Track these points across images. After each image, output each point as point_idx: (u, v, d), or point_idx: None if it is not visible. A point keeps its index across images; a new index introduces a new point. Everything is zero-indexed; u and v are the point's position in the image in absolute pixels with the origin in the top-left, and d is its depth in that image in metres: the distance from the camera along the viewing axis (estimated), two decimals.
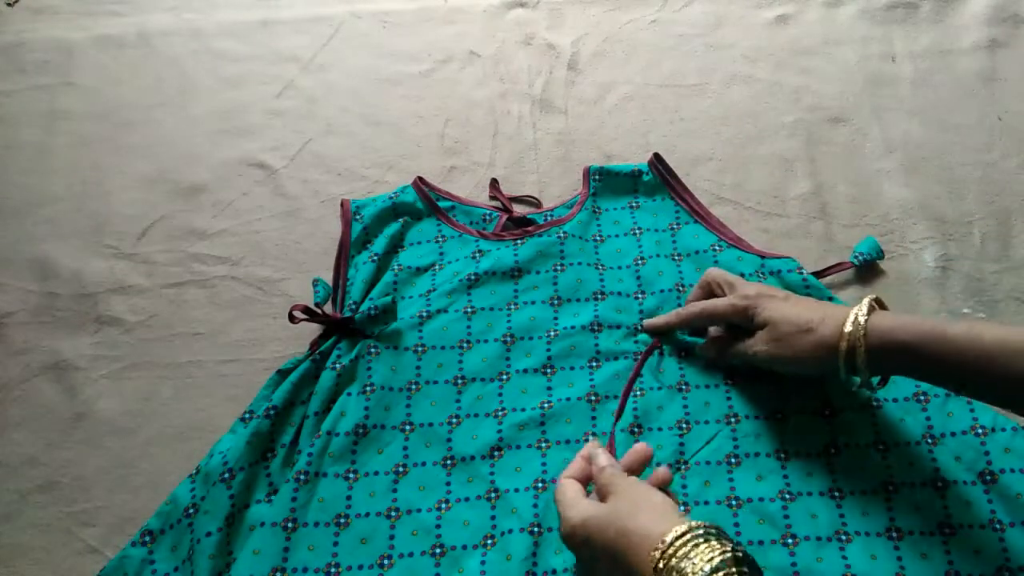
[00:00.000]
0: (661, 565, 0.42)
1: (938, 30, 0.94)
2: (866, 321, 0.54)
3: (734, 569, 0.41)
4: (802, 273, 0.70)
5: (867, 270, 0.74)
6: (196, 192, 0.84)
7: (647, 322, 0.69)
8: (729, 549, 0.42)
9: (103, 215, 0.83)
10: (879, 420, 0.62)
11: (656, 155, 0.80)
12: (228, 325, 0.74)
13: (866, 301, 0.55)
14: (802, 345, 0.57)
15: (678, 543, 0.43)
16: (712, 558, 0.41)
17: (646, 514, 0.46)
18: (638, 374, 0.66)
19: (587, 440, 0.63)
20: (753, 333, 0.61)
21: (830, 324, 0.55)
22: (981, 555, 0.55)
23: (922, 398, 0.62)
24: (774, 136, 0.86)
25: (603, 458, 0.54)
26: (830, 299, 0.69)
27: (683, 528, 0.44)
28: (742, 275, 0.70)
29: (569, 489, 0.53)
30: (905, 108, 0.88)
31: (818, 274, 0.73)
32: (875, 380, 0.57)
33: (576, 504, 0.51)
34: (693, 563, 0.41)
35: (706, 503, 0.59)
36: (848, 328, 0.54)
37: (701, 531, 0.43)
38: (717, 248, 0.73)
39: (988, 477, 0.58)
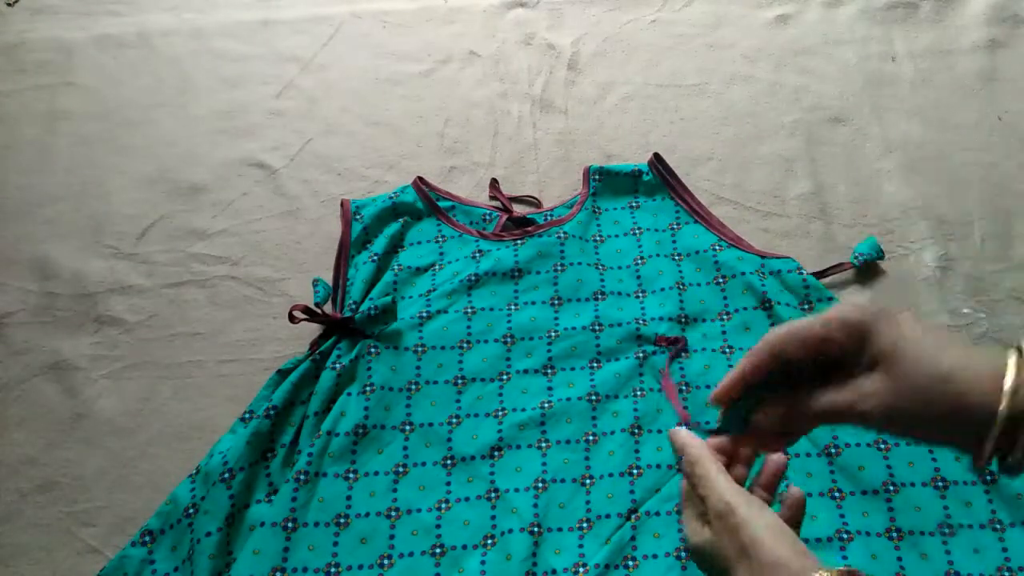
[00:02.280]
0: None
1: (938, 30, 0.94)
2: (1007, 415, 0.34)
3: None
4: (802, 273, 0.70)
5: (867, 270, 0.74)
6: (196, 192, 0.84)
7: (713, 395, 0.42)
8: None
9: (103, 215, 0.83)
10: None
11: (656, 155, 0.80)
12: (228, 325, 0.74)
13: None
14: (938, 401, 0.36)
15: None
16: None
17: (760, 559, 0.36)
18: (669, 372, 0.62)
19: (587, 440, 0.63)
20: (847, 376, 0.38)
21: (977, 372, 0.35)
22: (981, 555, 0.55)
23: None
24: (774, 136, 0.86)
25: (682, 435, 0.41)
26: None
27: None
28: (743, 273, 0.70)
29: (708, 454, 0.40)
30: (905, 108, 0.88)
31: (818, 274, 0.73)
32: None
33: (722, 481, 0.39)
34: None
35: None
36: (1009, 385, 0.34)
37: None
38: (717, 248, 0.73)
39: (988, 477, 0.58)
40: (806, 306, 0.69)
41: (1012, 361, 0.35)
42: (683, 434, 0.42)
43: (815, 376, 0.40)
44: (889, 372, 0.37)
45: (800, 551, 0.37)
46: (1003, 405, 0.34)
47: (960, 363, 0.36)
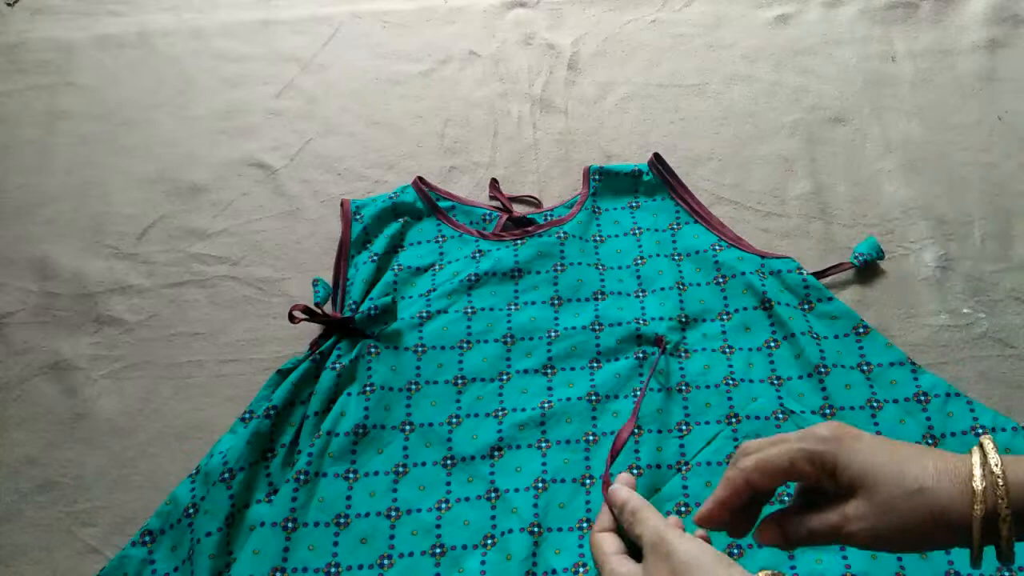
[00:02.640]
0: None
1: (938, 30, 0.94)
2: (1004, 472, 0.37)
3: None
4: (802, 273, 0.70)
5: (867, 270, 0.74)
6: (196, 192, 0.84)
7: (695, 518, 0.44)
8: None
9: (103, 215, 0.83)
10: (880, 420, 0.62)
11: (656, 155, 0.80)
12: (228, 325, 0.74)
13: (987, 443, 0.38)
14: (915, 516, 0.38)
15: None
16: None
17: None
18: (645, 391, 0.60)
19: (587, 440, 0.63)
20: (828, 499, 0.40)
21: (946, 478, 0.37)
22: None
23: (922, 398, 0.62)
24: (774, 136, 0.86)
25: (623, 493, 0.44)
26: (830, 299, 0.69)
27: None
28: (743, 273, 0.70)
29: (606, 545, 0.43)
30: (905, 108, 0.88)
31: (818, 274, 0.73)
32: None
33: (616, 570, 0.41)
34: None
35: None
36: (979, 486, 0.36)
37: None
38: (717, 248, 0.73)
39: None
40: (806, 306, 0.69)
41: (976, 461, 0.37)
42: (621, 489, 0.44)
43: (802, 495, 0.42)
44: (865, 497, 0.38)
45: (727, 562, 0.38)
46: (976, 510, 0.36)
47: (925, 473, 0.37)
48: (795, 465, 0.41)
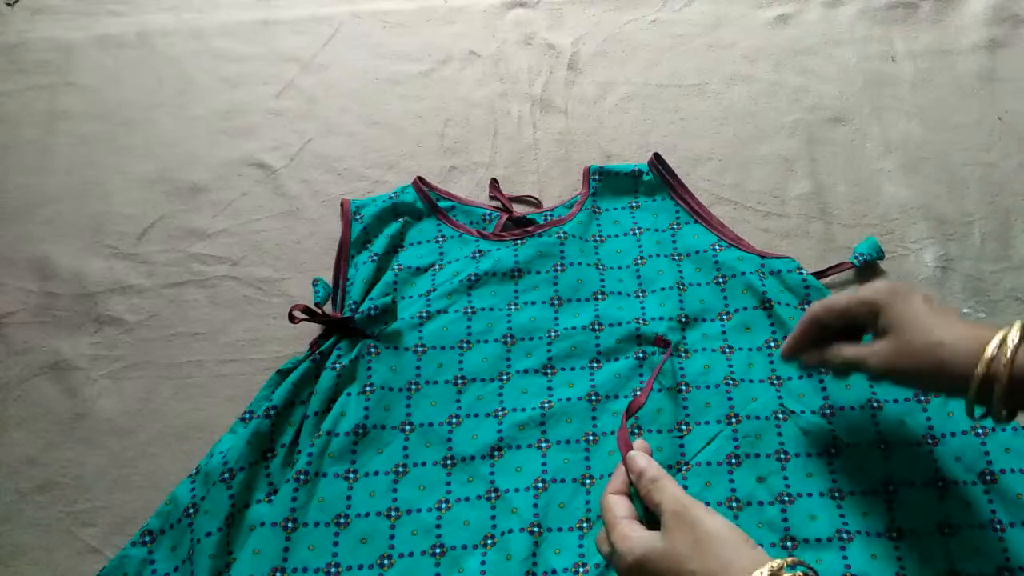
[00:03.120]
0: None
1: (938, 30, 0.94)
2: (1013, 359, 0.44)
3: None
4: (802, 273, 0.70)
5: (867, 270, 0.74)
6: (196, 192, 0.84)
7: (780, 353, 0.59)
8: None
9: (103, 215, 0.83)
10: (880, 420, 0.62)
11: (656, 155, 0.80)
12: (228, 325, 0.74)
13: (1018, 328, 0.45)
14: (928, 362, 0.47)
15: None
16: None
17: (714, 551, 0.41)
18: (651, 387, 0.61)
19: (587, 440, 0.63)
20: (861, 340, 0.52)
21: (968, 344, 0.46)
22: (981, 555, 0.55)
23: (922, 398, 0.62)
24: (774, 136, 0.86)
25: (641, 460, 0.48)
26: None
27: (767, 571, 0.39)
28: (743, 273, 0.71)
29: (618, 509, 0.47)
30: (905, 108, 0.88)
31: (818, 274, 0.73)
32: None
33: (628, 535, 0.45)
34: None
35: (707, 504, 0.59)
36: (989, 353, 0.44)
37: (792, 572, 0.39)
38: (717, 248, 0.73)
39: (988, 477, 0.58)
40: (806, 306, 0.69)
41: (999, 336, 0.45)
42: (640, 456, 0.49)
43: (843, 333, 0.54)
44: (893, 338, 0.49)
45: (751, 543, 0.43)
46: (979, 368, 0.45)
47: (952, 334, 0.47)
48: (851, 308, 0.53)
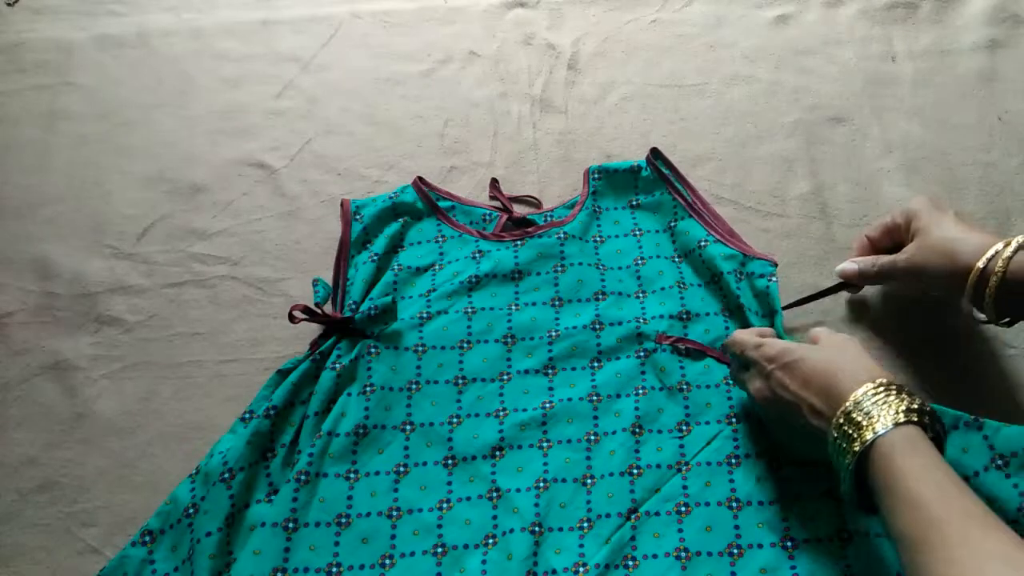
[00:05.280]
0: (873, 391, 0.47)
1: (938, 30, 0.94)
2: (1010, 258, 0.53)
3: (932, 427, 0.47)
4: (770, 280, 0.69)
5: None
6: (196, 192, 0.84)
7: (841, 268, 0.69)
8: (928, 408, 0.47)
9: (103, 215, 0.83)
10: None
11: (654, 149, 0.80)
12: (228, 325, 0.74)
13: (1014, 242, 0.54)
14: (941, 255, 0.57)
15: (892, 386, 0.48)
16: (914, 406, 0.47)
17: (860, 358, 0.52)
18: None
19: (589, 440, 0.63)
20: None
21: (976, 244, 0.55)
22: None
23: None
24: (774, 136, 0.86)
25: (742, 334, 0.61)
26: (773, 313, 0.68)
27: (888, 379, 0.49)
28: (721, 274, 0.70)
29: (750, 331, 0.60)
30: (905, 108, 0.88)
31: (827, 291, 0.71)
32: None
33: (780, 342, 0.56)
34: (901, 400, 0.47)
35: (707, 504, 0.59)
36: (991, 252, 0.54)
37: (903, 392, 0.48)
38: (703, 244, 0.73)
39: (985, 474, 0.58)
40: (763, 315, 0.68)
41: (1004, 241, 0.54)
42: (739, 333, 0.62)
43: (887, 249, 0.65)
44: (919, 239, 0.60)
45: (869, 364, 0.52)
46: (979, 263, 0.54)
47: (965, 235, 0.57)
48: (894, 219, 0.64)
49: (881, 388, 0.47)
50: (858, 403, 0.47)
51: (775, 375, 0.54)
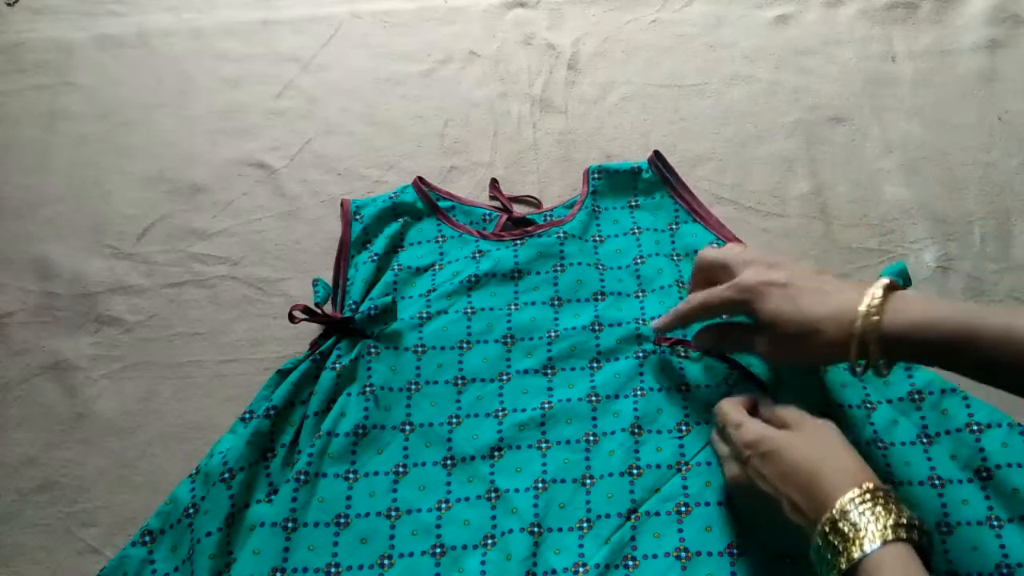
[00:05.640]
0: (860, 499, 0.45)
1: (938, 30, 0.94)
2: (878, 320, 0.49)
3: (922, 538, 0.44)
4: None
5: (867, 271, 0.74)
6: (196, 192, 0.84)
7: (654, 324, 0.65)
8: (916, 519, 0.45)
9: (103, 215, 0.83)
10: (875, 420, 0.62)
11: (656, 152, 0.80)
12: (228, 325, 0.74)
13: (879, 288, 0.50)
14: (809, 350, 0.52)
15: (879, 493, 0.45)
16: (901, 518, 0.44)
17: (843, 454, 0.49)
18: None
19: (588, 440, 0.63)
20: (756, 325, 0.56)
21: (838, 321, 0.50)
22: (979, 552, 0.55)
23: (916, 397, 0.62)
24: (774, 136, 0.86)
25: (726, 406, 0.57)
26: None
27: (874, 484, 0.46)
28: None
29: (736, 404, 0.56)
30: (905, 108, 0.88)
31: None
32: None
33: (760, 429, 0.52)
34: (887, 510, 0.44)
35: (707, 504, 0.59)
36: (858, 328, 0.49)
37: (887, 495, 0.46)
38: (713, 246, 0.73)
39: (984, 474, 0.58)
40: None
41: (864, 304, 0.49)
42: (726, 402, 0.57)
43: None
44: (771, 334, 0.54)
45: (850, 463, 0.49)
46: (853, 349, 0.50)
47: (825, 313, 0.51)
48: (726, 305, 0.57)
49: (868, 496, 0.45)
50: (845, 512, 0.45)
51: (752, 462, 0.51)
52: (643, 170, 0.80)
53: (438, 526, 0.60)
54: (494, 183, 0.82)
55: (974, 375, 0.49)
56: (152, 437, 0.68)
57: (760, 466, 0.50)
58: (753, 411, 0.57)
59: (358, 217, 0.78)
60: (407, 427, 0.65)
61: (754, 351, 0.58)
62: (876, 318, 0.49)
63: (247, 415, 0.65)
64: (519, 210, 0.80)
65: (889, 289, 0.50)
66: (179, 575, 0.58)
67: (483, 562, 0.57)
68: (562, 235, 0.75)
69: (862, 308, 0.49)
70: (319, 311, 0.70)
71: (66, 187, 0.85)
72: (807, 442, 0.50)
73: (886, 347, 0.49)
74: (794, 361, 0.57)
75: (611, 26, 0.98)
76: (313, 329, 0.72)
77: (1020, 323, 0.45)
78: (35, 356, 0.73)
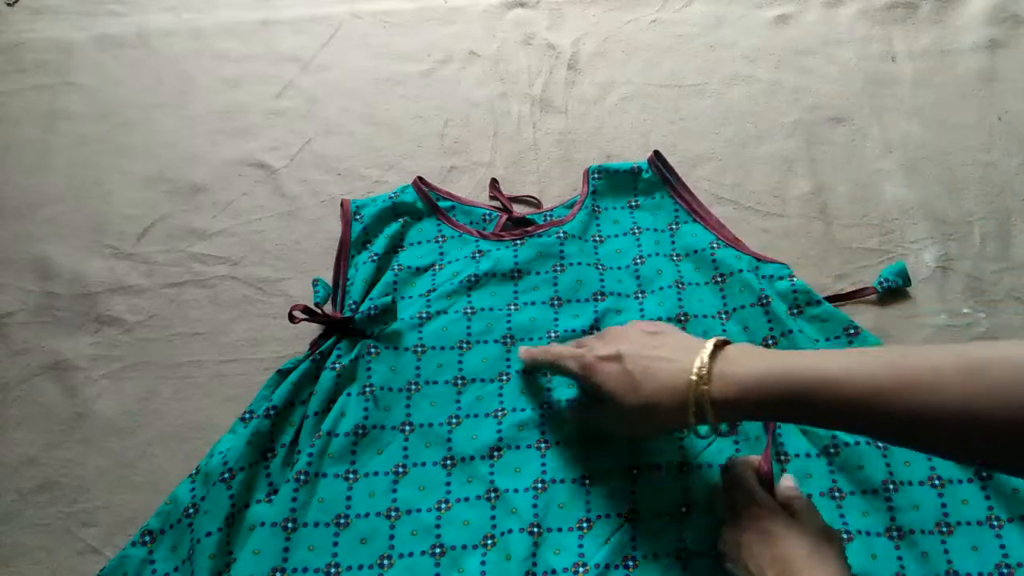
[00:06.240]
0: None
1: (938, 30, 0.94)
2: (707, 388, 0.49)
3: None
4: (792, 281, 0.70)
5: (867, 271, 0.74)
6: (196, 192, 0.84)
7: (521, 352, 0.65)
8: None
9: (103, 215, 0.83)
10: None
11: (656, 152, 0.80)
12: (228, 325, 0.74)
13: (707, 352, 0.50)
14: (652, 423, 0.53)
15: None
16: None
17: (832, 563, 0.48)
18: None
19: (586, 441, 0.63)
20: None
21: (672, 392, 0.50)
22: (980, 552, 0.55)
23: None
24: (774, 136, 0.86)
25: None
26: (818, 303, 0.69)
27: None
28: (740, 271, 0.70)
29: (750, 468, 0.55)
30: (905, 108, 0.88)
31: (839, 298, 0.72)
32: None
33: (764, 495, 0.53)
34: None
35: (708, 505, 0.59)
36: (691, 398, 0.49)
37: None
38: (715, 246, 0.73)
39: (984, 474, 0.58)
40: (795, 310, 0.69)
41: (693, 376, 0.50)
42: (739, 463, 0.56)
43: None
44: (610, 407, 0.54)
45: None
46: (690, 419, 0.50)
47: (657, 387, 0.51)
48: (571, 376, 0.58)
49: None
50: None
51: (746, 536, 0.51)
52: (643, 170, 0.80)
53: (438, 526, 0.60)
54: (494, 183, 0.82)
55: (815, 425, 0.51)
56: (152, 437, 0.68)
57: (753, 542, 0.50)
58: (759, 473, 0.56)
59: (358, 217, 0.78)
60: (407, 427, 0.65)
61: (604, 427, 0.59)
62: (705, 387, 0.49)
63: (247, 415, 0.65)
64: (519, 210, 0.80)
65: (719, 348, 0.51)
66: (179, 575, 0.58)
67: (483, 562, 0.57)
68: (562, 235, 0.75)
69: (692, 377, 0.50)
70: (319, 311, 0.70)
71: (66, 187, 0.85)
72: (806, 536, 0.49)
73: (719, 412, 0.49)
74: (640, 433, 0.58)
75: (611, 26, 0.98)
76: (313, 329, 0.72)
77: (838, 379, 0.45)
78: (35, 356, 0.73)
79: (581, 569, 0.57)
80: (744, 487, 0.53)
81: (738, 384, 0.48)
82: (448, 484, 0.62)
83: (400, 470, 0.62)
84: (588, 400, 0.61)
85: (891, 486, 0.59)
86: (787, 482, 0.55)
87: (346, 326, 0.69)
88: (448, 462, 0.63)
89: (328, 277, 0.75)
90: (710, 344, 0.51)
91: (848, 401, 0.44)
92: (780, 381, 0.47)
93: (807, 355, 0.48)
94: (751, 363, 0.49)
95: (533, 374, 0.66)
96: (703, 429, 0.52)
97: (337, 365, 0.66)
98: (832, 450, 0.61)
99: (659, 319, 0.69)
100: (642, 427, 0.55)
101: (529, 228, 0.77)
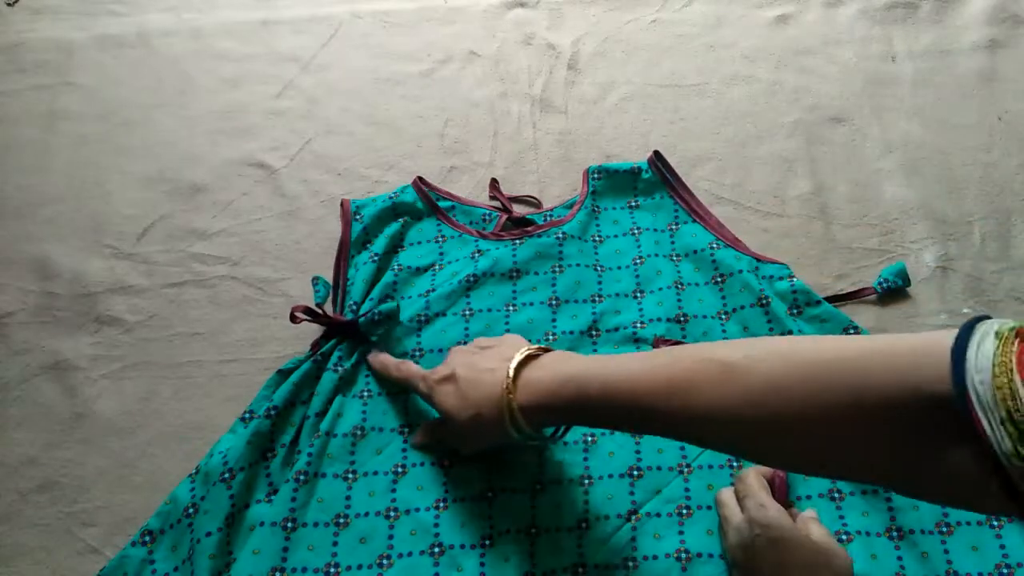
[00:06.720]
0: None
1: (938, 30, 0.94)
2: (513, 397, 0.51)
3: None
4: (792, 281, 0.70)
5: (867, 271, 0.74)
6: (196, 192, 0.84)
7: (371, 357, 0.67)
8: None
9: (103, 215, 0.83)
10: None
11: (656, 152, 0.80)
12: (228, 325, 0.74)
13: (516, 362, 0.52)
14: (483, 435, 0.56)
15: None
16: None
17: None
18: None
19: (585, 441, 0.63)
20: None
21: (490, 403, 0.53)
22: (980, 553, 0.55)
23: None
24: (774, 136, 0.86)
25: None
26: (818, 303, 0.69)
27: None
28: (740, 272, 0.70)
29: (761, 478, 0.55)
30: (905, 108, 0.88)
31: (838, 298, 0.72)
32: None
33: (774, 504, 0.53)
34: None
35: (709, 507, 0.59)
36: (504, 408, 0.52)
37: None
38: (715, 246, 0.73)
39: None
40: (795, 311, 0.69)
41: (502, 389, 0.52)
42: (751, 474, 0.57)
43: None
44: (445, 424, 0.58)
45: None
46: (507, 427, 0.52)
47: (479, 397, 0.53)
48: (421, 395, 0.60)
49: None
50: None
51: (758, 543, 0.52)
52: (643, 170, 0.80)
53: (436, 526, 0.60)
54: (494, 183, 0.82)
55: (615, 428, 0.52)
56: (152, 437, 0.68)
57: (765, 548, 0.51)
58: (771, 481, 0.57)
59: (358, 217, 0.78)
60: (405, 428, 0.65)
61: (451, 445, 0.61)
62: (511, 394, 0.51)
63: (247, 415, 0.65)
64: (519, 210, 0.80)
65: (534, 356, 0.53)
66: (179, 575, 0.58)
67: (482, 562, 0.57)
68: (561, 235, 0.75)
69: (503, 385, 0.52)
70: (321, 312, 0.70)
71: (66, 187, 0.85)
72: (815, 551, 0.51)
73: (528, 418, 0.51)
74: (478, 447, 0.59)
75: (611, 26, 0.98)
76: (313, 329, 0.72)
77: (619, 372, 0.46)
78: (35, 356, 0.73)
79: (580, 569, 0.56)
80: (755, 496, 0.54)
81: (540, 390, 0.50)
82: (446, 484, 0.62)
83: (399, 470, 0.62)
84: (438, 420, 0.62)
85: None
86: (810, 513, 0.56)
87: (349, 330, 0.69)
88: (447, 462, 0.63)
89: (328, 277, 0.75)
90: (523, 351, 0.53)
91: (625, 404, 0.46)
92: (571, 386, 0.48)
93: (604, 360, 0.49)
94: (556, 368, 0.51)
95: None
96: (521, 436, 0.53)
97: (339, 368, 0.66)
98: None
99: (658, 319, 0.69)
100: (475, 440, 0.57)
101: (529, 228, 0.77)
